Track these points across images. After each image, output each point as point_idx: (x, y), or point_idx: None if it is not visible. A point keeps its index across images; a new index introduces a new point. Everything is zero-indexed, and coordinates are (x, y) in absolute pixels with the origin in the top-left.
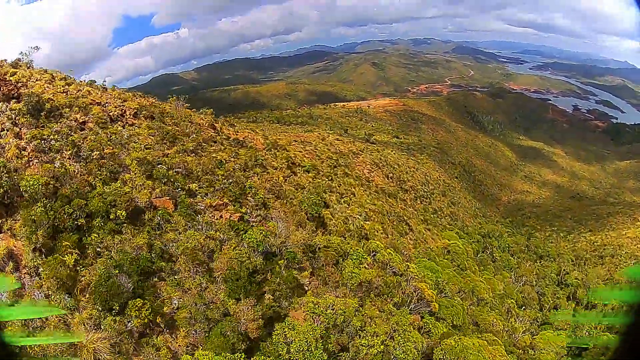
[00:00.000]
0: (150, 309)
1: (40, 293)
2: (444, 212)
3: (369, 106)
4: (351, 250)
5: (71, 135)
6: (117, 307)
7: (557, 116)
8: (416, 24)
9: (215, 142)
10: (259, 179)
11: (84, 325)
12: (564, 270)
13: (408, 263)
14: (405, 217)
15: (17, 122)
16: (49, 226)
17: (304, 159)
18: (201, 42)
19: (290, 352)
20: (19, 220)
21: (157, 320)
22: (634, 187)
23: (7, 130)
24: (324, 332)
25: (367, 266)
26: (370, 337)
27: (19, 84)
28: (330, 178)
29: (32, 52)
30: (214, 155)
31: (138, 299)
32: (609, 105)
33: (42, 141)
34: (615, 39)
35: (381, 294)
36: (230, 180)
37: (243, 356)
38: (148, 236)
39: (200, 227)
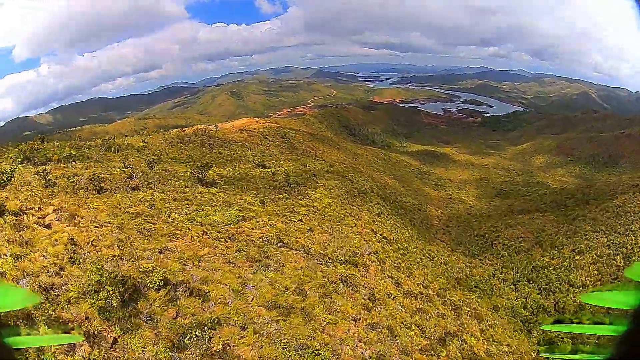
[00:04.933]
0: None
1: None
2: None
3: (216, 127)
4: None
5: None
6: None
7: (431, 120)
8: (276, 54)
9: None
10: None
11: None
12: None
13: None
14: None
15: None
16: None
17: None
18: (62, 82)
19: None
20: None
21: None
22: (542, 164)
23: None
24: None
25: None
26: None
27: None
28: None
29: None
30: None
31: None
32: (476, 103)
33: None
34: (471, 48)
35: None
36: None
37: None
38: None
39: None
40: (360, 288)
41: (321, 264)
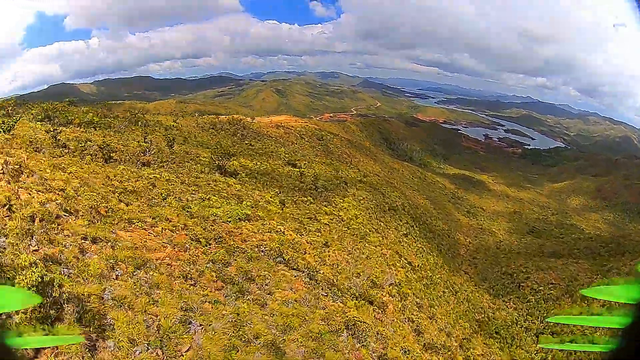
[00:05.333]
0: None
1: None
2: None
3: (253, 119)
4: None
5: None
6: None
7: (471, 144)
8: (325, 58)
9: None
10: None
11: None
12: None
13: None
14: None
15: None
16: None
17: None
18: (110, 57)
19: None
20: None
21: None
22: (577, 206)
23: None
24: None
25: None
26: None
27: None
28: None
29: None
30: None
31: None
32: (518, 133)
33: None
34: (519, 76)
35: None
36: None
37: None
38: None
39: None
40: (370, 340)
41: (326, 295)
